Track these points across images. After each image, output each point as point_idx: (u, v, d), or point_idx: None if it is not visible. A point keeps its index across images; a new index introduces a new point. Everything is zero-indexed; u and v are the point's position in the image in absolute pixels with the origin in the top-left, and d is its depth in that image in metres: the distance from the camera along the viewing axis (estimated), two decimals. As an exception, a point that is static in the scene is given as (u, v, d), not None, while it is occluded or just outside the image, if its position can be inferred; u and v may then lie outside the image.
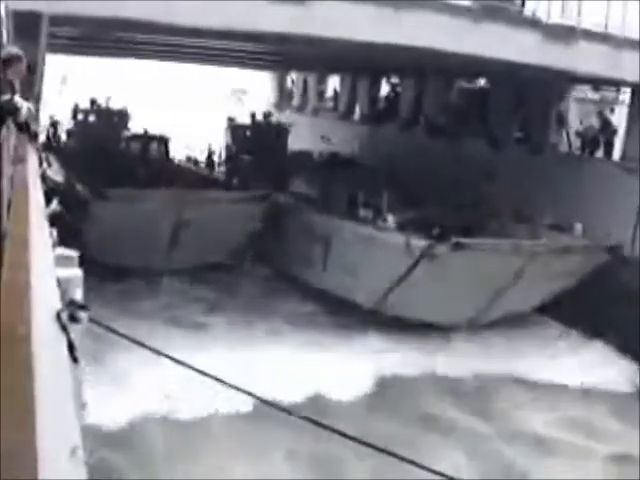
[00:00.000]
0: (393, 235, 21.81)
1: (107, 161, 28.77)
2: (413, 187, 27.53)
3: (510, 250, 21.25)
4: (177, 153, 38.67)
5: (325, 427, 4.65)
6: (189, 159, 39.13)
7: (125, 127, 41.35)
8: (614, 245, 22.50)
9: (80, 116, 41.10)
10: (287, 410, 4.64)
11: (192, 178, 31.53)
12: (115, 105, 42.37)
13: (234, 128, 41.97)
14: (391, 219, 22.73)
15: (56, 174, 27.69)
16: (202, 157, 40.05)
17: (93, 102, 42.12)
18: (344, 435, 4.84)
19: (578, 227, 23.77)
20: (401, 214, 23.53)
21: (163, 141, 36.85)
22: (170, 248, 23.63)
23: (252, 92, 58.67)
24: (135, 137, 36.45)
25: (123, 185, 24.18)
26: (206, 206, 23.60)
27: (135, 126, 41.99)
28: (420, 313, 21.51)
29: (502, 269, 20.80)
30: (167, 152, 36.32)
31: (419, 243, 20.65)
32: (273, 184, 29.18)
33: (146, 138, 36.31)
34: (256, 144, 38.43)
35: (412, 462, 4.57)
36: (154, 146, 35.62)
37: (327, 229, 24.49)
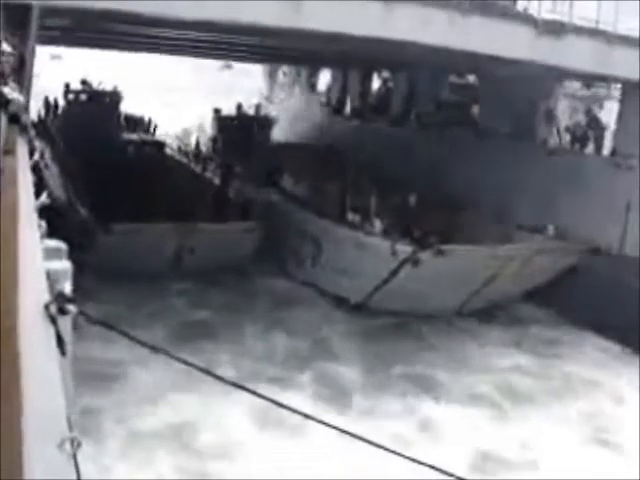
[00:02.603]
0: (380, 240, 23.14)
1: (103, 163, 28.77)
2: (400, 183, 28.02)
3: (488, 255, 22.69)
4: (164, 137, 39.44)
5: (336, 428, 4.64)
6: (179, 150, 39.58)
7: (117, 108, 41.44)
8: (592, 247, 23.81)
9: (71, 96, 41.04)
10: (294, 409, 4.61)
11: (186, 180, 32.15)
12: (106, 86, 42.40)
13: (220, 119, 42.41)
14: (378, 224, 24.30)
15: (54, 181, 27.57)
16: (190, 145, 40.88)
17: (84, 82, 42.04)
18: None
19: (550, 228, 25.04)
20: (387, 216, 24.96)
21: (158, 145, 37.11)
22: (174, 269, 24.44)
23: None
24: (131, 142, 36.52)
25: (121, 191, 24.91)
26: (207, 236, 24.50)
27: (126, 107, 42.25)
28: (404, 307, 22.64)
29: (480, 271, 22.44)
30: (163, 156, 36.51)
31: (404, 249, 21.91)
32: (263, 180, 29.80)
33: (142, 143, 36.41)
34: (241, 135, 38.87)
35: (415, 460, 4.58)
36: (150, 150, 35.77)
37: (317, 230, 25.61)
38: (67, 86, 41.46)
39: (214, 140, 42.02)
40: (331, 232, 25.05)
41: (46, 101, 41.63)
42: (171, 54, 46.21)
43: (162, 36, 29.57)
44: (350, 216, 25.33)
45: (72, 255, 4.78)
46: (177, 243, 24.00)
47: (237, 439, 15.96)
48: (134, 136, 37.67)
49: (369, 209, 25.35)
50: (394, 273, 22.10)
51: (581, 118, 31.19)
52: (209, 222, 25.52)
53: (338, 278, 23.99)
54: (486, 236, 24.78)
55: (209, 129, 44.32)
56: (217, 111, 43.77)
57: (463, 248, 22.78)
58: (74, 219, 23.80)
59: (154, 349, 4.99)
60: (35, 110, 35.30)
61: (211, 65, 66.04)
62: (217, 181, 32.41)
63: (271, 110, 46.97)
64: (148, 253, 23.21)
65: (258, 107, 46.66)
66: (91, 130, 34.46)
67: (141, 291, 23.09)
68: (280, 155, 35.65)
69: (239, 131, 40.10)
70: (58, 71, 45.01)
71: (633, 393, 19.73)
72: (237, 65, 63.28)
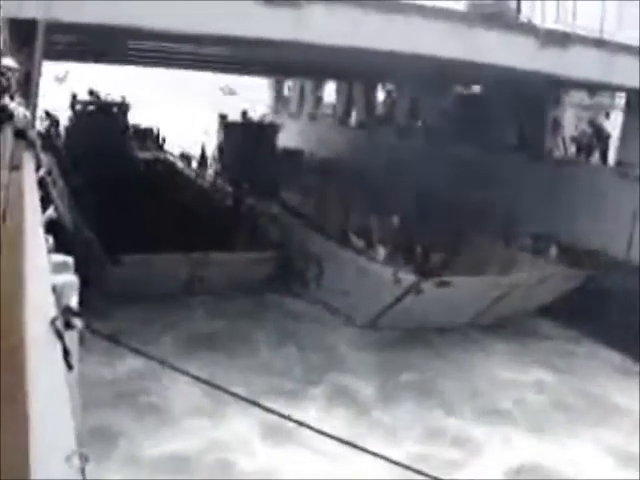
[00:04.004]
0: (383, 268, 22.89)
1: (112, 182, 28.48)
2: (406, 197, 27.94)
3: (490, 284, 22.99)
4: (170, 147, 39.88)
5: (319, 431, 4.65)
6: (182, 155, 40.07)
7: (125, 119, 41.43)
8: (590, 274, 23.55)
9: (79, 107, 40.91)
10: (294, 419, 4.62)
11: (196, 201, 31.67)
12: (114, 97, 42.47)
13: (226, 125, 42.54)
14: (381, 251, 24.15)
15: (61, 199, 26.70)
16: (194, 150, 41.83)
17: (92, 92, 41.97)
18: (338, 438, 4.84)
19: (553, 251, 24.90)
20: (389, 233, 25.21)
21: (169, 163, 37.26)
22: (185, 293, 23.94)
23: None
24: (144, 160, 36.61)
25: (129, 215, 24.49)
26: (219, 266, 23.94)
27: (134, 119, 42.34)
28: (412, 325, 22.57)
29: (483, 298, 22.73)
30: (174, 174, 36.63)
31: (406, 277, 21.80)
32: (268, 191, 29.68)
33: (152, 161, 36.46)
34: (248, 141, 38.96)
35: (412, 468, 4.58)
36: (160, 168, 35.84)
37: (321, 251, 25.30)
38: (74, 97, 41.41)
39: (220, 148, 42.28)
40: (334, 254, 24.85)
41: (47, 114, 41.59)
42: (176, 68, 46.32)
43: (167, 50, 29.66)
44: (353, 239, 25.17)
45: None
46: (188, 273, 23.53)
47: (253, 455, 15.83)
48: (147, 154, 37.67)
49: (372, 231, 25.33)
50: (399, 299, 22.12)
51: (586, 128, 31.15)
52: (221, 249, 24.71)
53: (343, 300, 23.85)
54: (489, 258, 25.17)
55: (215, 136, 44.61)
56: (223, 117, 43.95)
57: (465, 279, 22.94)
58: (81, 245, 22.36)
59: (163, 363, 5.00)
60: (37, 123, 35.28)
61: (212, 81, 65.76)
62: (228, 198, 31.94)
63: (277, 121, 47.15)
64: (158, 283, 22.66)
65: (264, 117, 47.08)
66: (99, 143, 34.32)
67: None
68: (285, 164, 35.89)
69: (245, 137, 40.13)
70: (62, 91, 44.92)
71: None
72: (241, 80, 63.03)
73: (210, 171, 40.55)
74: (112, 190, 27.53)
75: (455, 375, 20.79)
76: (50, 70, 43.38)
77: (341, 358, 21.43)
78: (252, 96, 54.77)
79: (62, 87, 46.63)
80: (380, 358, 21.44)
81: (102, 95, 42.43)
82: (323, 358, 21.13)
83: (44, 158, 8.96)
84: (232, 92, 64.53)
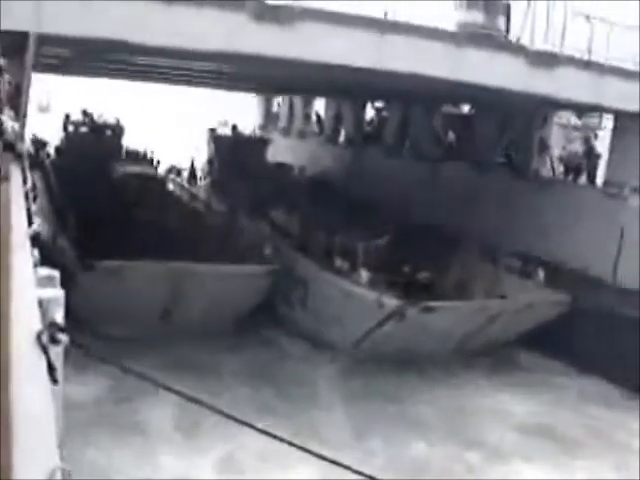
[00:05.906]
0: (366, 292, 22.48)
1: (98, 199, 27.65)
2: (393, 217, 27.88)
3: (476, 310, 22.84)
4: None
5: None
6: (172, 169, 40.02)
7: (119, 142, 40.95)
8: (578, 297, 23.39)
9: (71, 128, 40.32)
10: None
11: (186, 220, 30.50)
12: (107, 119, 41.97)
13: (216, 138, 42.56)
14: (365, 274, 23.75)
15: (43, 214, 25.18)
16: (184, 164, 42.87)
17: (85, 113, 41.33)
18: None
19: (541, 274, 24.72)
20: (373, 258, 24.81)
21: (159, 181, 37.05)
22: (163, 321, 21.76)
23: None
24: (130, 176, 36.12)
25: (113, 228, 23.41)
26: (203, 280, 21.61)
27: (129, 141, 42.04)
28: (395, 352, 22.02)
29: (467, 324, 22.47)
30: (163, 191, 36.38)
31: (390, 302, 21.42)
32: (256, 209, 29.48)
33: (141, 178, 36.02)
34: (237, 154, 38.94)
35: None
36: (150, 185, 35.42)
37: (305, 273, 24.76)
38: (67, 117, 40.82)
39: (210, 160, 42.34)
40: (318, 277, 24.26)
41: (34, 136, 41.02)
42: (166, 83, 46.28)
43: (156, 65, 29.58)
44: (338, 262, 24.77)
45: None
46: (169, 288, 21.08)
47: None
48: (136, 168, 36.95)
49: (356, 253, 24.98)
50: (381, 324, 21.71)
51: (575, 148, 31.32)
52: (209, 263, 22.34)
53: (325, 323, 23.44)
54: (475, 279, 25.10)
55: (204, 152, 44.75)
56: (213, 130, 44.06)
57: (450, 304, 22.72)
58: (55, 254, 20.18)
59: (151, 381, 4.96)
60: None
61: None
62: (220, 218, 30.98)
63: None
64: (135, 296, 20.55)
65: (253, 131, 47.36)
66: (90, 164, 33.79)
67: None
68: (274, 177, 35.91)
69: (235, 149, 40.13)
70: (46, 121, 44.25)
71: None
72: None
73: (200, 183, 40.77)
74: (96, 206, 26.51)
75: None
76: (33, 99, 43.10)
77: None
78: (241, 116, 55.04)
79: (45, 117, 46.11)
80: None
81: (96, 116, 41.78)
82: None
83: (30, 172, 8.92)
84: (225, 124, 64.98)
